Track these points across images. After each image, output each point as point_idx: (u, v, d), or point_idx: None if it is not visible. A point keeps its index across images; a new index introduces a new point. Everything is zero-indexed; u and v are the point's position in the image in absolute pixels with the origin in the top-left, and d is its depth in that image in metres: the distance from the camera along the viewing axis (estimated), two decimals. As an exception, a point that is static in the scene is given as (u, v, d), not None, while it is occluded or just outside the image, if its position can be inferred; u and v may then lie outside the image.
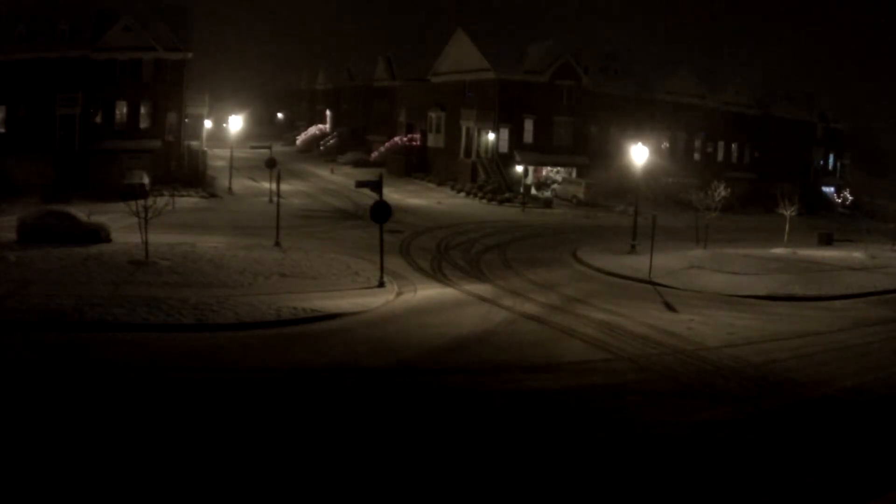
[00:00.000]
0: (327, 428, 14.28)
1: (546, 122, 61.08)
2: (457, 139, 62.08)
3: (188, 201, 45.50)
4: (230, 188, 52.04)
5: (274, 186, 39.20)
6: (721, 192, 40.32)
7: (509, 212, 51.01)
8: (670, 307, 26.36)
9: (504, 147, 59.88)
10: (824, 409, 16.80)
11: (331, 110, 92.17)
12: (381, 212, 26.74)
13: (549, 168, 61.26)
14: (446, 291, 27.07)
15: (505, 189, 56.13)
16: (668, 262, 33.26)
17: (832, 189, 77.71)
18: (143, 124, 52.24)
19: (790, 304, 28.16)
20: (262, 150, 57.73)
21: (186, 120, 53.81)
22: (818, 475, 13.20)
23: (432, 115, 66.19)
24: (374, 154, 73.77)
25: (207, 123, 58.98)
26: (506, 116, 59.93)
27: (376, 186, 27.43)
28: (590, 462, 13.36)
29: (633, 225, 37.45)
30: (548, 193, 57.42)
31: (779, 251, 38.82)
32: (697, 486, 12.66)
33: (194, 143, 54.31)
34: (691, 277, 31.10)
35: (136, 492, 11.34)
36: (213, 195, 49.46)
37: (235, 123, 58.51)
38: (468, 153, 61.04)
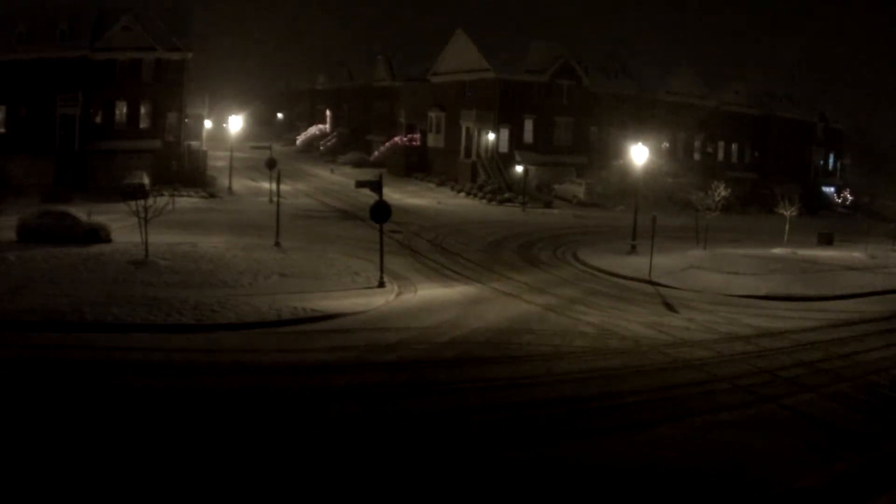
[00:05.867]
0: (326, 427, 14.29)
1: (546, 122, 61.10)
2: (457, 139, 62.09)
3: (188, 201, 45.48)
4: (230, 188, 52.08)
5: (274, 186, 39.22)
6: (721, 192, 40.29)
7: (509, 212, 51.02)
8: (670, 307, 26.37)
9: (504, 147, 59.91)
10: (823, 407, 16.82)
11: (331, 110, 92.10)
12: (381, 212, 26.74)
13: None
14: (446, 291, 27.06)
15: (505, 189, 56.14)
16: (667, 262, 33.27)
17: (832, 189, 77.71)
18: (143, 124, 52.19)
19: (790, 304, 28.16)
20: (263, 150, 57.84)
21: (186, 120, 53.77)
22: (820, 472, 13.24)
23: (432, 115, 66.21)
24: (374, 154, 73.78)
25: (207, 123, 58.96)
26: (506, 116, 59.95)
27: (376, 186, 27.42)
28: (589, 461, 13.37)
29: (632, 225, 37.45)
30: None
31: (779, 251, 38.80)
32: (696, 486, 12.67)
33: (194, 143, 54.28)
34: (691, 277, 31.10)
35: (135, 491, 11.35)
36: (213, 195, 49.48)
37: (235, 123, 58.52)
38: (468, 153, 61.06)
